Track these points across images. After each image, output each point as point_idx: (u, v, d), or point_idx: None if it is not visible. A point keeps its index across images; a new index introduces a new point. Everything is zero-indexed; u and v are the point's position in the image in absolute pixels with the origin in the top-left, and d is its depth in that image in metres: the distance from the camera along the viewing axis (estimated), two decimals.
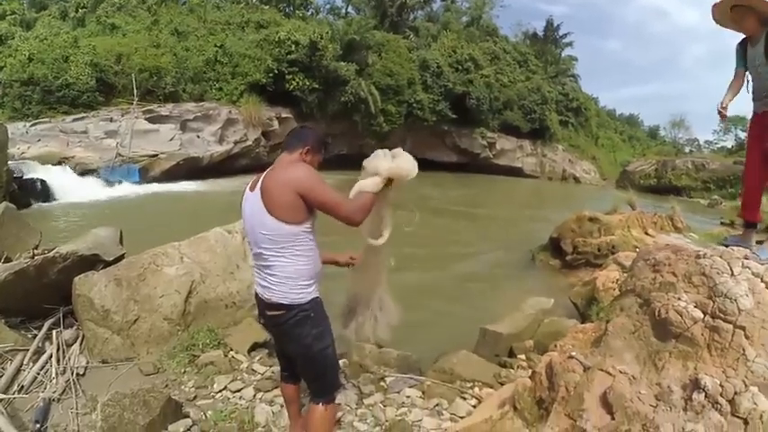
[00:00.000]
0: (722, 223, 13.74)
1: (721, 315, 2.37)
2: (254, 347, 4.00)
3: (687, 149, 49.58)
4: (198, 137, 19.42)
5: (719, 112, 3.12)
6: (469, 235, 12.65)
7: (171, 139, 18.36)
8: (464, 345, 4.79)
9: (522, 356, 4.30)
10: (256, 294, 2.30)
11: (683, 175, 28.10)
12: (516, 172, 33.84)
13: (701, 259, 2.72)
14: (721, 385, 2.17)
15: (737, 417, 2.07)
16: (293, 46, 21.60)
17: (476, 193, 22.03)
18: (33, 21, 22.99)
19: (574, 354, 2.50)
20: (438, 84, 27.10)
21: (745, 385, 2.16)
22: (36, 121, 16.57)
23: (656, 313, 2.55)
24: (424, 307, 6.28)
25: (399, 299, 5.70)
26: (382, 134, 25.84)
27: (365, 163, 2.36)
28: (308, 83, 21.84)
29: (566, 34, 42.70)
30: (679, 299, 2.55)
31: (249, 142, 21.41)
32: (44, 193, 13.43)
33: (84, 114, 17.37)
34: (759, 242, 3.23)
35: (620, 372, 2.34)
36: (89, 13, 23.57)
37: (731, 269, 2.62)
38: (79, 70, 17.65)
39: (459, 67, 28.43)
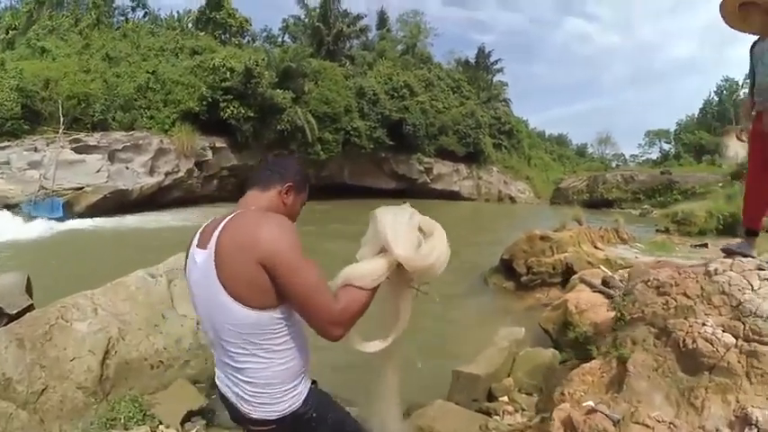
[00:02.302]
0: (657, 231, 14.28)
1: (756, 337, 2.06)
2: (189, 417, 3.30)
3: (614, 164, 53.15)
4: (127, 168, 17.97)
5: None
6: None
7: (98, 171, 16.84)
8: (434, 391, 4.30)
9: (505, 398, 3.87)
10: (224, 397, 1.51)
11: (614, 188, 29.54)
12: (454, 196, 34.30)
13: (716, 276, 2.41)
14: None
15: None
16: (228, 73, 20.86)
17: None
18: None
19: (595, 405, 2.06)
20: (375, 111, 27.02)
21: None
22: None
23: (681, 343, 2.19)
24: None
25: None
26: (320, 163, 25.30)
27: (372, 221, 1.53)
28: (243, 111, 21.03)
29: (496, 61, 44.53)
30: (704, 324, 2.21)
31: (181, 173, 20.16)
32: None
33: (8, 143, 15.75)
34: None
35: (657, 421, 1.93)
36: (19, 35, 21.93)
37: (750, 284, 2.32)
38: (4, 95, 16.08)
39: (395, 94, 28.58)
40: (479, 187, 36.46)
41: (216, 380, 1.54)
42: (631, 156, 58.69)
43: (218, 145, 21.69)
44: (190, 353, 3.84)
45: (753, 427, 1.82)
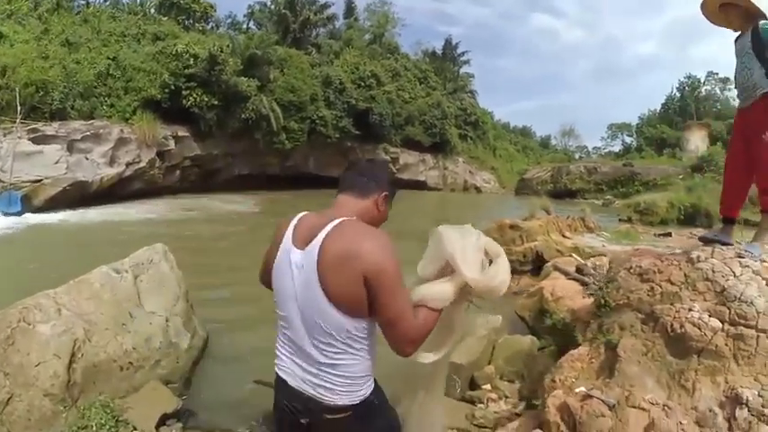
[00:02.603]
0: (620, 220, 14.77)
1: (742, 321, 2.12)
2: (164, 421, 3.15)
3: (577, 156, 54.42)
4: (86, 158, 17.00)
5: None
6: None
7: (56, 162, 15.87)
8: (412, 381, 4.33)
9: (487, 386, 3.84)
10: (290, 387, 1.54)
11: (577, 179, 30.40)
12: (420, 185, 34.44)
13: (699, 263, 2.45)
14: (760, 395, 1.88)
15: None
16: (191, 59, 20.06)
17: None
18: None
19: (590, 392, 2.06)
20: (341, 100, 26.67)
21: None
22: None
23: (669, 328, 2.22)
24: None
25: None
26: (285, 152, 24.93)
27: (434, 238, 1.65)
28: (206, 99, 20.30)
29: (463, 52, 44.71)
30: (690, 309, 2.24)
31: (143, 164, 19.31)
32: None
33: None
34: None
35: (652, 404, 1.95)
36: None
37: (732, 270, 2.37)
38: None
39: (362, 84, 28.28)
40: (445, 177, 36.74)
41: (283, 374, 1.57)
42: (594, 148, 60.22)
43: (180, 134, 20.88)
44: (160, 352, 3.68)
45: (743, 406, 1.86)
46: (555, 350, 3.80)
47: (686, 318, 2.19)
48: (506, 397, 3.64)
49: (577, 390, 2.18)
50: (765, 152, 2.61)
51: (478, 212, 23.60)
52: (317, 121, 25.27)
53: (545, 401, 2.26)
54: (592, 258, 6.25)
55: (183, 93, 20.03)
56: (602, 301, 2.77)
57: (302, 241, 1.44)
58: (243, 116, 21.87)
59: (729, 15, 2.78)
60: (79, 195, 16.38)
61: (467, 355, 4.11)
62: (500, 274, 1.57)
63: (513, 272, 8.99)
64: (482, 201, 31.54)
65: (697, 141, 35.53)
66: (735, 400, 1.89)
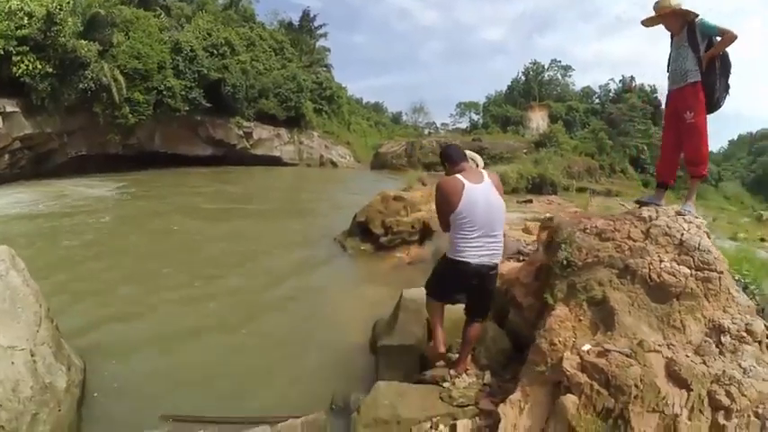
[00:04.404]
0: None
1: (705, 266, 2.50)
2: None
3: (427, 131, 57.55)
4: None
5: None
6: (256, 237, 10.62)
7: None
8: (354, 376, 4.16)
9: (441, 363, 3.66)
10: (474, 265, 3.09)
11: (430, 153, 32.25)
12: (275, 161, 33.43)
13: (655, 221, 2.82)
14: (734, 323, 2.28)
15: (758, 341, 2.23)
16: (26, 18, 16.45)
17: (242, 188, 20.21)
18: None
19: (609, 347, 2.26)
20: (191, 69, 24.26)
21: (744, 316, 2.32)
22: None
23: (648, 279, 2.53)
24: (265, 349, 4.90)
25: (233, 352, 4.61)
26: (128, 127, 22.02)
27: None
28: (40, 66, 16.81)
29: (321, 25, 44.02)
30: (661, 261, 2.58)
31: None
32: None
33: None
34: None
35: (659, 345, 2.23)
36: None
37: (682, 225, 2.78)
38: None
39: (215, 52, 26.07)
40: (301, 152, 36.21)
41: (473, 260, 3.08)
42: (442, 124, 64.22)
43: (8, 109, 16.92)
44: (35, 401, 2.83)
45: (725, 333, 2.25)
46: (492, 315, 3.94)
47: (661, 268, 2.52)
48: (466, 370, 3.43)
49: (585, 348, 2.36)
50: (689, 129, 3.18)
51: (343, 186, 23.82)
52: (165, 92, 22.66)
53: (555, 365, 2.40)
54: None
55: (14, 59, 16.49)
56: (566, 262, 3.02)
57: (477, 180, 3.12)
58: (81, 86, 18.80)
59: (668, 23, 3.40)
60: None
61: (406, 335, 3.98)
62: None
63: (403, 243, 9.34)
64: (341, 175, 31.83)
65: (538, 120, 40.65)
66: (717, 330, 2.27)
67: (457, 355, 3.77)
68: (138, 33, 22.41)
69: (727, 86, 3.23)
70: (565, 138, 31.15)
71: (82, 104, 19.62)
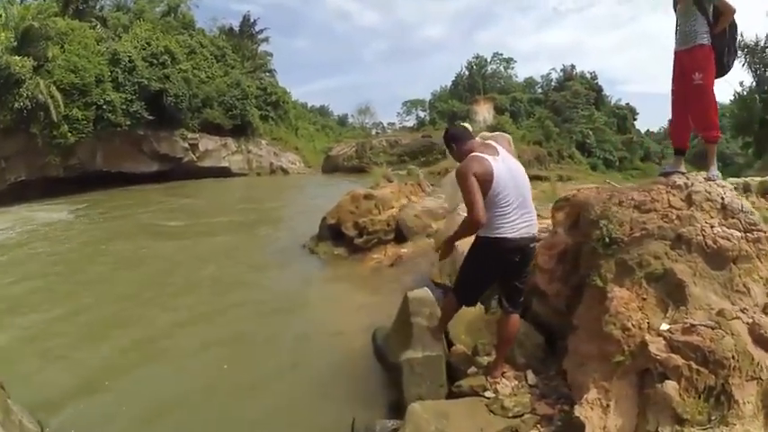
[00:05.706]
0: (432, 185, 16.30)
1: (754, 227, 2.52)
2: None
3: (374, 132, 57.49)
4: None
5: None
6: (218, 253, 9.89)
7: None
8: (363, 393, 3.77)
9: (472, 369, 3.37)
10: (515, 240, 2.99)
11: (381, 152, 32.37)
12: (224, 172, 32.22)
13: (694, 187, 2.81)
14: None
15: None
16: None
17: (202, 202, 19.48)
18: None
19: (693, 322, 2.19)
20: (131, 81, 23.03)
21: None
22: None
23: (705, 246, 2.51)
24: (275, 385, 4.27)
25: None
26: (67, 147, 20.60)
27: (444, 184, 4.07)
28: None
29: (261, 30, 42.88)
30: (712, 226, 2.57)
31: None
32: None
33: None
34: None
35: (740, 310, 2.20)
36: None
37: (720, 190, 2.79)
38: None
39: (155, 61, 24.83)
40: (250, 161, 35.16)
41: (513, 234, 2.98)
42: (389, 123, 64.35)
43: None
44: None
45: None
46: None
47: (715, 234, 2.51)
48: (503, 373, 3.20)
49: (663, 327, 2.28)
50: (695, 91, 3.20)
51: (298, 192, 23.33)
52: (105, 107, 21.34)
53: (636, 352, 2.27)
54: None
55: None
56: (608, 239, 2.89)
57: (493, 154, 3.05)
58: (16, 105, 17.57)
59: None
60: None
61: (430, 345, 3.54)
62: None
63: (378, 243, 9.03)
64: (294, 181, 31.15)
65: (485, 113, 41.43)
66: None
67: (487, 358, 3.48)
68: (74, 46, 21.12)
69: (736, 50, 3.31)
70: (512, 128, 32.01)
71: (17, 126, 18.34)
